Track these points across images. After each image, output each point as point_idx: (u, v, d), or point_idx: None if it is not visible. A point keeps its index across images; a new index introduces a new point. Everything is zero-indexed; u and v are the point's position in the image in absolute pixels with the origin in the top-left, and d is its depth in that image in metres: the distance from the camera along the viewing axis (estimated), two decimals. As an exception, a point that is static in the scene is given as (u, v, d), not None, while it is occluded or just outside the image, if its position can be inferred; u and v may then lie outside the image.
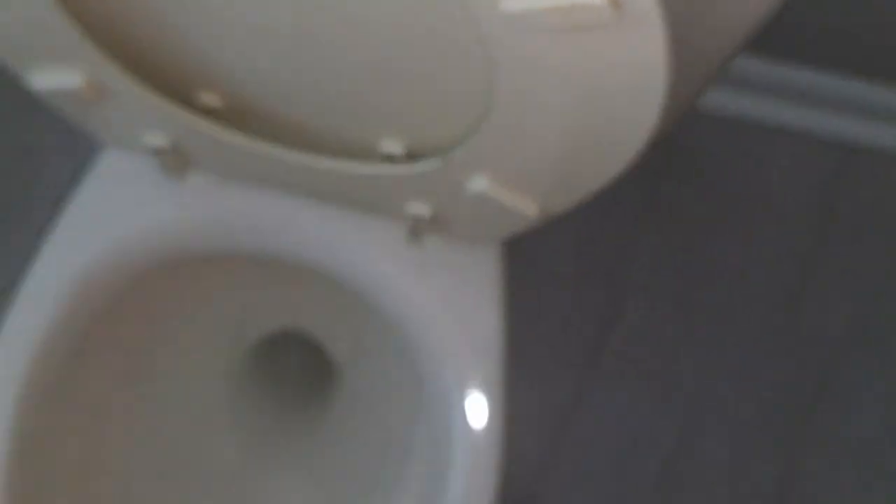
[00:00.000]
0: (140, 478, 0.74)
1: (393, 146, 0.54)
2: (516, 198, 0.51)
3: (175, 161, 0.60)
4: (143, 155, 0.62)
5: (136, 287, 0.67)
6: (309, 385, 0.86)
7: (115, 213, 0.64)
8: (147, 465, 0.75)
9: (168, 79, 0.54)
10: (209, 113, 0.56)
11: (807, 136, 1.11)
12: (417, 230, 0.60)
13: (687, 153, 1.12)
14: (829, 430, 1.05)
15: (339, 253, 0.65)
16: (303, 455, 0.81)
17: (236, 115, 0.56)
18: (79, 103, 0.55)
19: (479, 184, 0.51)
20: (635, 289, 1.08)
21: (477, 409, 0.62)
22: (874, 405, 1.06)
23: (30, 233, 0.98)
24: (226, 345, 0.81)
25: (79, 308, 0.64)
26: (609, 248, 1.09)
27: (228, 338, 0.81)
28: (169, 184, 0.64)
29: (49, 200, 0.97)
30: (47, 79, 0.53)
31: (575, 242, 1.06)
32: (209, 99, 0.55)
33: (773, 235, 1.10)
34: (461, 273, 0.64)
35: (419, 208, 0.57)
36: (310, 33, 0.46)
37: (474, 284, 0.64)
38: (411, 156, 0.54)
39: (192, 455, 0.78)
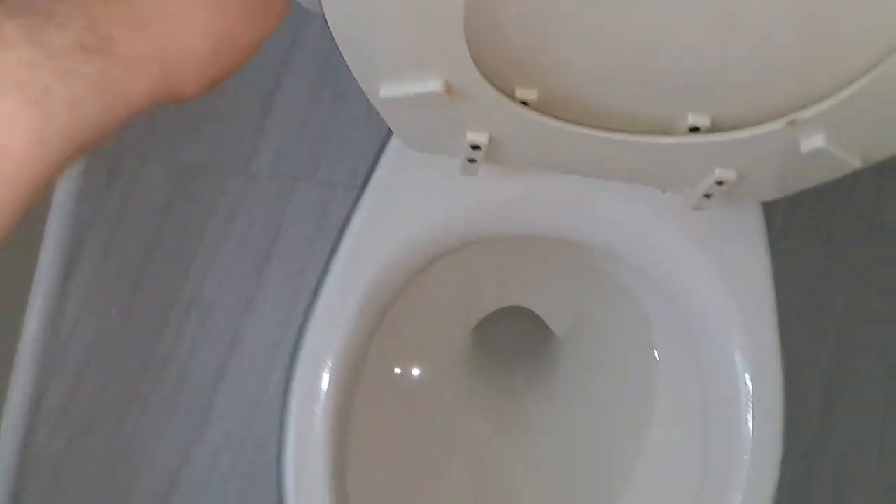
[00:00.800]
0: (397, 453, 0.79)
1: (700, 119, 0.59)
2: (847, 151, 0.57)
3: (482, 159, 0.64)
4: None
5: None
6: (532, 355, 0.91)
7: (411, 206, 0.69)
8: (402, 440, 0.80)
9: (499, 75, 0.58)
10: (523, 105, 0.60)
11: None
12: (709, 195, 0.65)
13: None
14: None
15: (623, 227, 0.70)
16: (537, 419, 0.87)
17: (546, 106, 0.61)
18: (419, 108, 0.59)
19: (817, 141, 0.56)
20: (777, 227, 1.14)
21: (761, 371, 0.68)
22: None
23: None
24: (461, 321, 0.86)
25: (375, 297, 0.69)
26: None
27: (461, 315, 0.86)
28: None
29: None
30: (404, 86, 0.56)
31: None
32: (526, 94, 0.60)
33: None
34: (734, 238, 0.70)
35: (725, 173, 0.63)
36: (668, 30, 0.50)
37: (747, 249, 0.70)
38: (716, 128, 0.60)
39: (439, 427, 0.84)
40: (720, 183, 0.64)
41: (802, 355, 1.09)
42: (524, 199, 0.70)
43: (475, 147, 0.63)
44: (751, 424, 0.69)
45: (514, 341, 0.93)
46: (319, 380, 0.67)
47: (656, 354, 0.81)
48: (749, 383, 0.70)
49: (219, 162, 1.09)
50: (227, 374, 1.06)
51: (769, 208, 0.71)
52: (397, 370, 0.81)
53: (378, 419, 0.76)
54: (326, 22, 0.52)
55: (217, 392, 1.06)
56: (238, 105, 1.10)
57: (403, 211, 0.69)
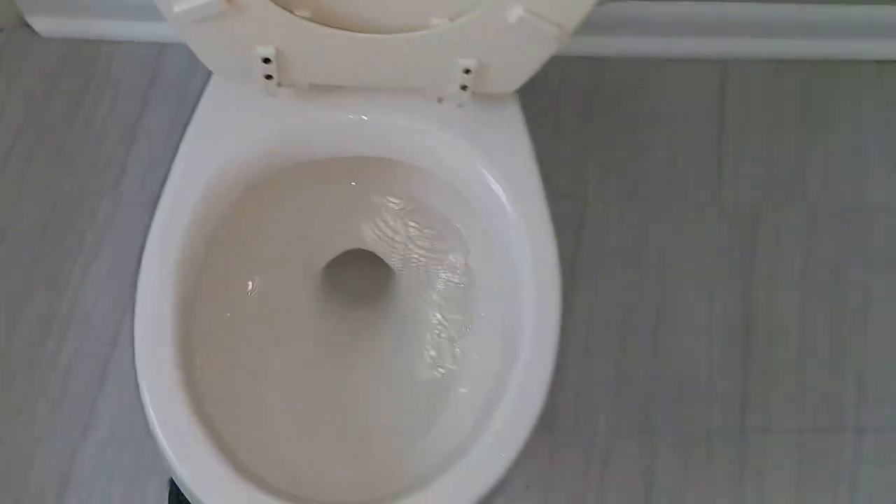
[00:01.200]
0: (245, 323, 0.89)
1: (438, 19, 0.77)
2: (543, 19, 0.74)
3: (276, 75, 0.80)
4: (243, 83, 0.82)
5: (246, 193, 0.86)
6: (377, 289, 1.04)
7: (229, 128, 0.83)
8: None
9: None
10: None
11: (692, 60, 1.40)
12: (464, 87, 0.81)
13: (605, 90, 1.38)
14: (771, 267, 1.30)
15: (411, 136, 0.85)
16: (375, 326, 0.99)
17: (320, 19, 0.77)
18: (208, 22, 0.74)
19: (517, 12, 0.73)
20: (592, 194, 1.32)
21: (537, 238, 0.82)
22: (796, 245, 1.32)
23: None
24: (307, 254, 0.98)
25: (209, 205, 0.82)
26: (565, 167, 1.32)
27: (306, 249, 0.99)
28: (266, 101, 0.83)
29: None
30: (193, 1, 0.72)
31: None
32: (302, 12, 0.76)
33: (686, 137, 1.37)
34: (496, 126, 0.86)
35: (467, 62, 0.79)
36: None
37: (508, 135, 0.86)
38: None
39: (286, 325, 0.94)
40: (468, 71, 0.80)
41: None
42: (323, 121, 0.85)
43: (266, 60, 0.79)
44: (534, 292, 0.81)
45: (359, 280, 1.05)
46: (161, 282, 0.78)
47: (470, 262, 0.95)
48: (529, 251, 0.83)
49: (89, 186, 1.22)
50: (108, 376, 1.15)
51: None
52: (249, 284, 0.92)
53: (222, 320, 0.87)
54: None
55: (100, 393, 1.15)
56: (106, 138, 1.25)
57: (219, 137, 0.83)
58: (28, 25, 1.29)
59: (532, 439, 0.77)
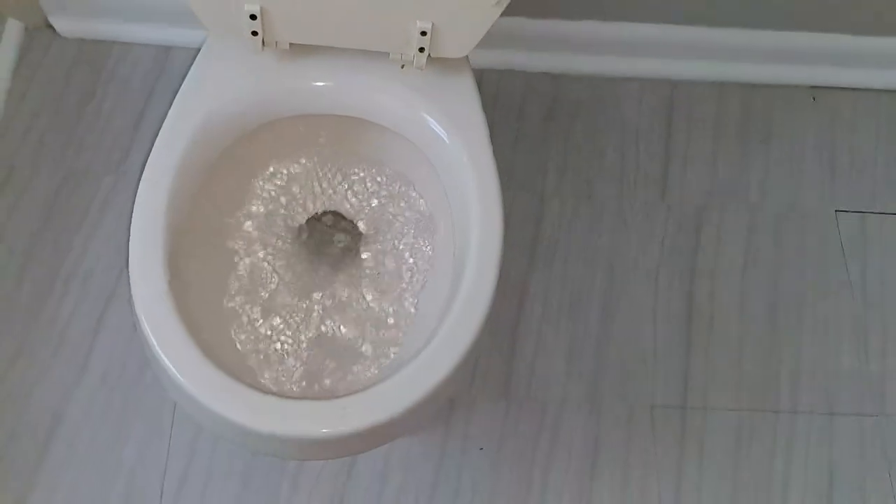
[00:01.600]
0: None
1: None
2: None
3: (261, 31, 0.94)
4: (234, 40, 0.97)
5: (235, 141, 0.99)
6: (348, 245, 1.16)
7: (217, 84, 0.98)
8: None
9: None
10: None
11: (643, 79, 1.56)
12: (422, 50, 0.96)
13: (564, 103, 1.54)
14: (713, 261, 1.43)
15: (365, 94, 1.00)
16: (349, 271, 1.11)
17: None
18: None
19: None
20: (550, 192, 1.46)
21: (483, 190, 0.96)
22: (737, 243, 1.46)
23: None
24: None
25: (198, 146, 0.95)
26: (527, 169, 1.47)
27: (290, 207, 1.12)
28: (250, 62, 0.98)
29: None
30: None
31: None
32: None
33: (637, 145, 1.51)
34: (450, 86, 1.00)
35: (424, 24, 0.94)
36: None
37: (459, 91, 1.00)
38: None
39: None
40: (424, 34, 0.95)
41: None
42: (299, 81, 0.99)
43: (252, 17, 0.93)
44: (479, 215, 0.95)
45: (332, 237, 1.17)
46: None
47: (426, 208, 1.08)
48: (475, 190, 0.96)
49: (96, 165, 1.36)
50: (103, 328, 1.27)
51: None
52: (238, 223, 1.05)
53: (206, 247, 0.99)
54: None
55: (95, 343, 1.26)
56: (112, 125, 1.40)
57: (208, 91, 0.97)
58: (50, 26, 1.45)
59: (478, 343, 0.87)
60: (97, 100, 1.43)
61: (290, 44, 0.98)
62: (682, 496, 1.27)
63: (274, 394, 0.85)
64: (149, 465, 1.20)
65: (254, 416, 0.80)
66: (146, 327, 0.83)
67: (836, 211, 1.49)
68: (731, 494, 1.27)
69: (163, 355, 0.82)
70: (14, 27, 1.42)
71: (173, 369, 0.82)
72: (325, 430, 0.81)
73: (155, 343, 0.82)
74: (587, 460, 1.28)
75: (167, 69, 1.46)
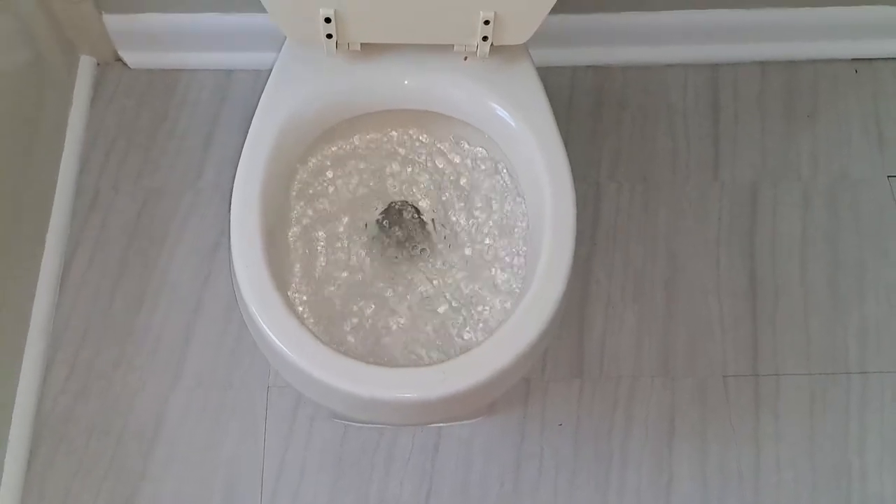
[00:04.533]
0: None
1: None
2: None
3: (335, 34, 1.01)
4: (311, 44, 1.03)
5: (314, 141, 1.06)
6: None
7: (296, 86, 1.04)
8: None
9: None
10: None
11: (686, 65, 1.61)
12: (485, 39, 1.02)
13: (611, 94, 1.59)
14: (767, 232, 1.47)
15: (437, 87, 1.06)
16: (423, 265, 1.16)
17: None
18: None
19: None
20: (605, 179, 1.51)
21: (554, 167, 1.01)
22: (793, 215, 1.49)
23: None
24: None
25: (284, 142, 1.02)
26: (581, 159, 1.52)
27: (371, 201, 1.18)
28: (325, 64, 1.05)
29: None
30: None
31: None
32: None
33: (686, 128, 1.56)
34: (513, 74, 1.06)
35: (487, 14, 1.00)
36: None
37: (523, 78, 1.06)
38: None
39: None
40: (487, 22, 1.01)
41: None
42: (372, 79, 1.06)
43: (327, 20, 1.00)
44: (551, 193, 1.00)
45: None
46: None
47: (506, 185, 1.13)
48: (545, 170, 1.01)
49: (172, 184, 1.44)
50: (194, 333, 1.34)
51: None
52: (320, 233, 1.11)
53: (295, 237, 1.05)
54: None
55: (188, 348, 1.33)
56: (185, 145, 1.48)
57: (289, 92, 1.04)
58: (120, 59, 1.54)
59: (560, 309, 0.92)
60: (168, 124, 1.51)
61: (361, 44, 1.05)
62: (760, 461, 1.30)
63: (384, 364, 0.91)
64: (246, 460, 1.26)
65: (370, 386, 0.86)
66: (256, 315, 0.90)
67: (888, 177, 1.52)
68: (808, 457, 1.30)
69: (279, 342, 0.88)
70: (87, 62, 1.51)
71: (291, 354, 0.88)
72: (426, 394, 0.87)
73: (268, 331, 0.89)
74: (664, 432, 1.32)
75: (230, 91, 1.53)
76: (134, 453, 1.26)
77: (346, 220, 1.11)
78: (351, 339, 1.03)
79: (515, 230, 1.08)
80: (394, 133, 1.14)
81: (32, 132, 1.33)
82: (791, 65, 1.61)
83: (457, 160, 1.14)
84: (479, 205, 1.12)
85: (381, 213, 1.12)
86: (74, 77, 1.48)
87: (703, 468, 1.29)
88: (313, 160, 1.11)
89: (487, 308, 1.04)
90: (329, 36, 1.02)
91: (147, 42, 1.51)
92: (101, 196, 1.44)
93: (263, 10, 1.02)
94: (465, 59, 1.08)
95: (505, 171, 1.11)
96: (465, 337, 1.03)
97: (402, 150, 1.14)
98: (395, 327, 1.03)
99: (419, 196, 1.13)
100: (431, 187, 1.13)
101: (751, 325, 1.40)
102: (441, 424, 1.30)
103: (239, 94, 1.53)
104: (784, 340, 1.39)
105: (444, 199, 1.13)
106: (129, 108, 1.52)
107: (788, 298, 1.42)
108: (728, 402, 1.34)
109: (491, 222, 1.10)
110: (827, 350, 1.38)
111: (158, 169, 1.46)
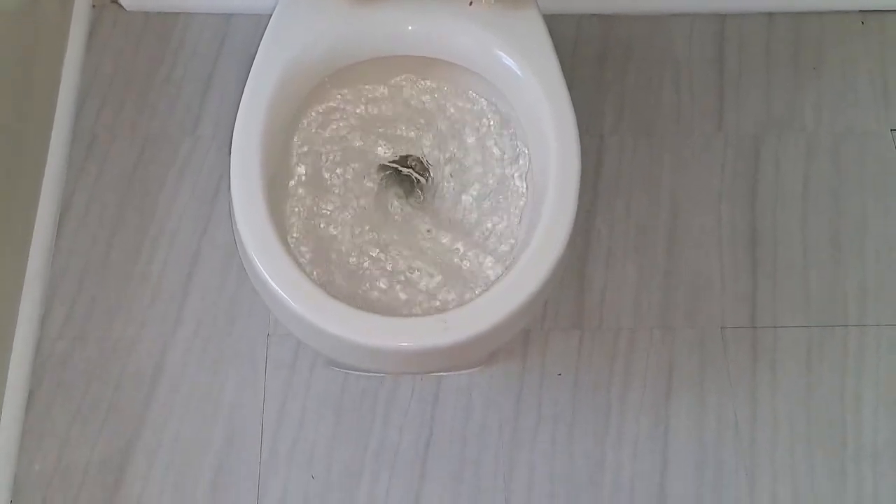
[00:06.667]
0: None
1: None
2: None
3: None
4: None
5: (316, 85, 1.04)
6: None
7: (299, 28, 1.02)
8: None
9: None
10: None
11: (692, 14, 1.58)
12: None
13: (616, 43, 1.56)
14: (773, 187, 1.46)
15: (440, 33, 1.04)
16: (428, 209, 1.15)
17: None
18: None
19: None
20: (609, 131, 1.49)
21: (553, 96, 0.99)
22: (796, 168, 1.48)
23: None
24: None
25: (286, 86, 1.00)
26: (584, 110, 1.50)
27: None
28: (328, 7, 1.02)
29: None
30: None
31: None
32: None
33: (691, 79, 1.54)
34: (518, 22, 1.04)
35: (492, -42, 0.98)
36: None
37: (528, 26, 1.04)
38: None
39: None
40: (494, -34, 0.99)
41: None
42: (375, 25, 1.03)
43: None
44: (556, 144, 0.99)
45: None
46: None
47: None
48: (551, 118, 1.00)
49: (171, 130, 1.42)
50: (193, 282, 1.33)
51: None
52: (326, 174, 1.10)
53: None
54: None
55: (185, 298, 1.32)
56: (183, 91, 1.45)
57: (291, 35, 1.02)
58: (115, 1, 1.51)
59: (562, 261, 0.92)
60: (166, 68, 1.48)
61: (363, -12, 1.03)
62: (757, 413, 1.30)
63: (388, 314, 0.90)
64: (247, 406, 1.26)
65: (371, 335, 0.85)
66: (258, 264, 0.89)
67: (891, 130, 1.50)
68: (805, 408, 1.31)
69: (281, 291, 0.87)
70: (83, 4, 1.48)
71: (294, 303, 0.87)
72: (428, 343, 0.87)
73: (269, 279, 0.88)
74: (662, 383, 1.32)
75: (229, 35, 1.51)
76: (133, 399, 1.26)
77: (349, 167, 1.10)
78: (351, 282, 1.02)
79: (517, 179, 1.07)
80: (398, 81, 1.12)
81: (27, 75, 1.30)
82: (797, 16, 1.59)
83: (464, 108, 1.12)
84: (482, 154, 1.10)
85: (385, 162, 1.11)
86: (69, 19, 1.45)
87: (700, 419, 1.30)
88: (315, 108, 1.09)
89: (489, 259, 1.04)
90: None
91: (144, -18, 1.48)
92: (98, 141, 1.42)
93: (264, -49, 0.99)
94: (471, 3, 1.05)
95: (510, 120, 1.09)
96: (465, 266, 1.03)
97: (406, 99, 1.13)
98: (400, 262, 1.03)
99: (424, 144, 1.12)
100: (436, 136, 1.12)
101: (750, 277, 1.40)
102: (441, 373, 1.30)
103: (238, 38, 1.51)
104: (783, 293, 1.39)
105: (450, 147, 1.11)
106: (125, 52, 1.49)
107: (789, 251, 1.42)
108: (726, 355, 1.34)
109: (495, 172, 1.09)
110: (825, 303, 1.38)
111: (156, 115, 1.44)
